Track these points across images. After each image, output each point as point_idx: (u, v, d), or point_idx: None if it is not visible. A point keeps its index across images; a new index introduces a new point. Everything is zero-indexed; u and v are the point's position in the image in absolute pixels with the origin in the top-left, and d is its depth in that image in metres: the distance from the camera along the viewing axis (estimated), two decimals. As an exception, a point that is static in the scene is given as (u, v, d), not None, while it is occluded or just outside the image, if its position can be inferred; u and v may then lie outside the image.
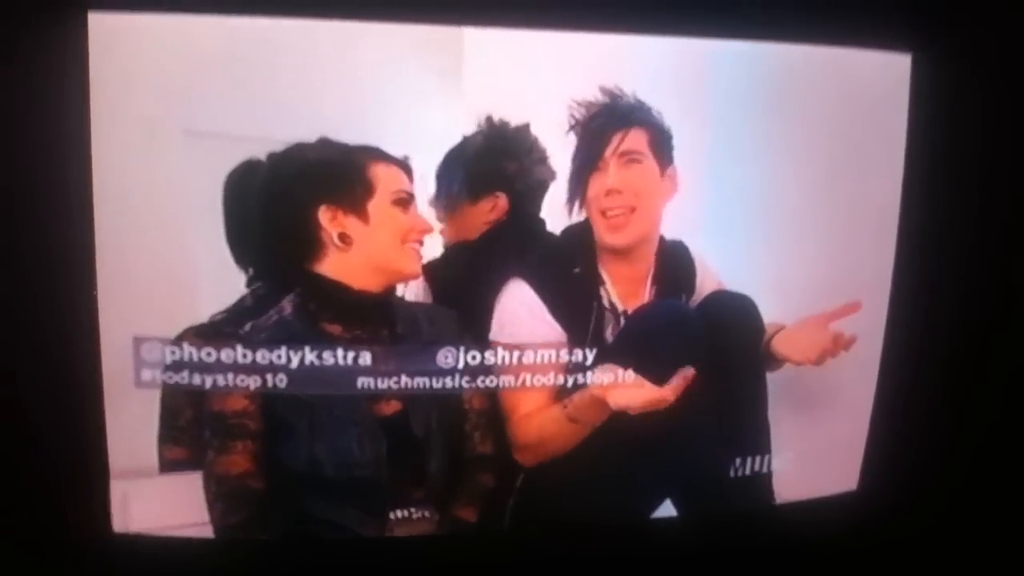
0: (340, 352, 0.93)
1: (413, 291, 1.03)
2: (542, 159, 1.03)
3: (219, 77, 0.90)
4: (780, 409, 1.07)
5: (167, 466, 0.94)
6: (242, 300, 0.94)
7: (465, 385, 0.97)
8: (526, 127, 1.01)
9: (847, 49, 1.02)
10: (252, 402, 0.92)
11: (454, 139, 0.99)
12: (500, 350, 0.98)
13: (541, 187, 1.04)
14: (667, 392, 0.95)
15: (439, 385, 0.96)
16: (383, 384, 0.95)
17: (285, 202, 0.93)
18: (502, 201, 1.05)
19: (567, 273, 1.03)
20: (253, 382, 0.92)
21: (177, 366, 0.91)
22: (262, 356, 0.92)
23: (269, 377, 0.92)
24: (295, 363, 0.92)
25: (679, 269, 1.07)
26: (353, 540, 0.96)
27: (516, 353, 0.98)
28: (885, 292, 1.08)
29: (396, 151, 0.95)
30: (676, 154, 1.02)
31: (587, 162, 1.00)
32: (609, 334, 1.03)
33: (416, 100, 0.96)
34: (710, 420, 1.03)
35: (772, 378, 1.07)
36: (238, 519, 0.93)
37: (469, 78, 0.98)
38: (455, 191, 1.02)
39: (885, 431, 1.11)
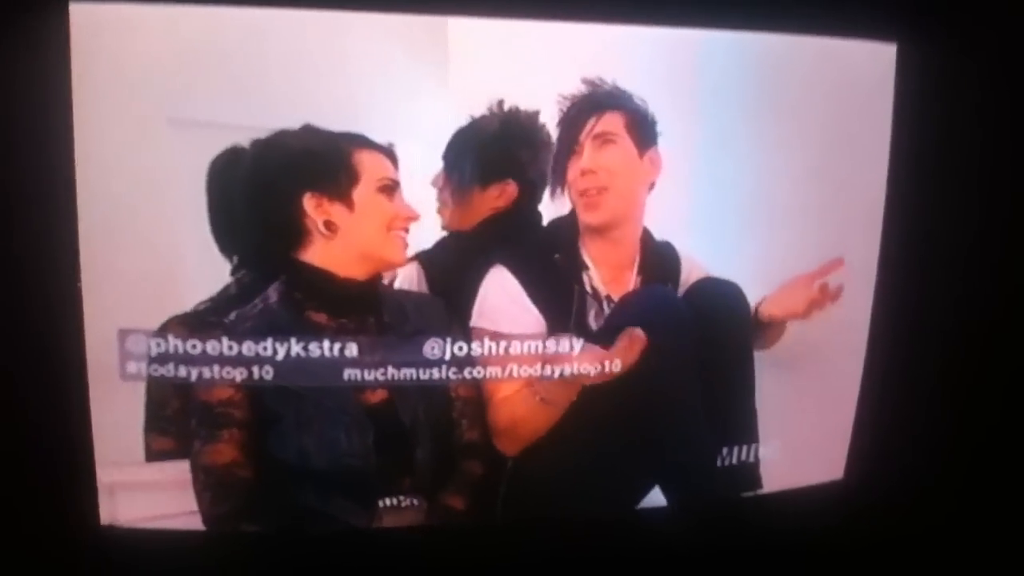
0: (326, 343, 0.93)
1: (408, 278, 1.03)
2: (551, 149, 1.03)
3: (203, 66, 0.90)
4: (767, 397, 1.07)
5: (154, 456, 0.94)
6: (227, 289, 0.94)
7: (452, 376, 0.97)
8: (537, 114, 1.01)
9: (833, 39, 1.02)
10: (239, 391, 0.92)
11: (441, 127, 0.98)
12: (484, 338, 0.98)
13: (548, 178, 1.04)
14: (614, 353, 0.95)
15: (426, 376, 0.96)
16: (370, 375, 0.94)
17: (270, 190, 0.93)
18: (511, 188, 1.05)
19: (548, 259, 1.03)
20: (239, 374, 0.92)
21: (163, 359, 0.91)
22: (248, 348, 0.91)
23: (255, 369, 0.92)
24: (281, 355, 0.92)
25: (665, 258, 1.08)
26: (344, 530, 0.96)
27: (496, 340, 0.98)
28: (871, 281, 1.09)
29: (381, 139, 0.95)
30: (663, 144, 1.03)
31: (565, 147, 1.01)
32: (592, 319, 1.03)
33: (402, 88, 0.97)
34: (695, 405, 1.03)
35: (759, 366, 1.07)
36: (226, 508, 0.93)
37: (455, 66, 0.98)
38: (466, 175, 1.02)
39: (871, 421, 1.12)
